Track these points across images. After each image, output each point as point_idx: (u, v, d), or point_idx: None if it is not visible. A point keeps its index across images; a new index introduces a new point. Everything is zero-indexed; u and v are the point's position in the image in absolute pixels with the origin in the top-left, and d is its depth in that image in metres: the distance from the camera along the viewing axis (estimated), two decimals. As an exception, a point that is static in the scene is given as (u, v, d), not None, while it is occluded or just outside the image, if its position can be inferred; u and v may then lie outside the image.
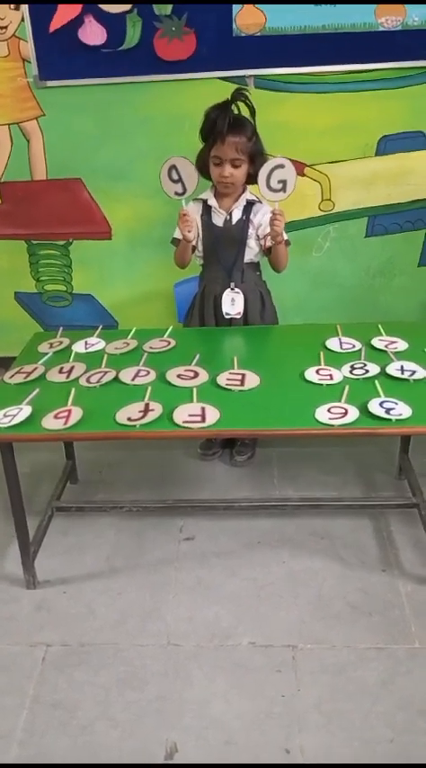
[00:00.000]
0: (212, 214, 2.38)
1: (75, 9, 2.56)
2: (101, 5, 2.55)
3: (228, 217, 2.36)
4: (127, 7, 2.55)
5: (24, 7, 2.58)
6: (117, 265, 3.05)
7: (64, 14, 2.56)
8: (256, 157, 2.27)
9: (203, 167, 2.32)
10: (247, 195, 2.36)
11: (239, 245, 2.38)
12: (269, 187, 2.21)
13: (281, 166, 2.18)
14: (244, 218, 2.36)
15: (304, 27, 2.57)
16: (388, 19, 2.55)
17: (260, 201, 2.37)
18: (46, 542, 2.24)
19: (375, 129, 2.76)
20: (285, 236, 2.32)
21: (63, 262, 3.08)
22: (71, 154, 2.85)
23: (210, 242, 2.40)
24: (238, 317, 2.39)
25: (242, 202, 2.35)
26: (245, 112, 2.26)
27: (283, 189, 2.21)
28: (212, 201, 2.37)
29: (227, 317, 2.41)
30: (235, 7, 2.55)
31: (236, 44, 2.60)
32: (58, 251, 3.06)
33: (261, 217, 2.36)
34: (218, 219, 2.37)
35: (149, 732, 1.65)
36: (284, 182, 2.20)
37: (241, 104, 2.25)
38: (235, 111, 2.25)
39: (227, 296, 2.40)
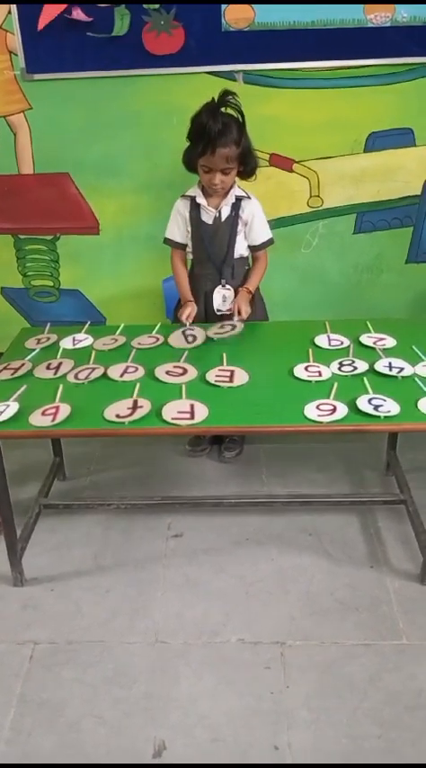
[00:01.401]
0: (201, 211, 2.36)
1: (63, 4, 2.53)
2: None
3: (218, 214, 2.35)
4: (115, 0, 2.53)
5: (11, -1, 2.55)
6: (105, 261, 3.03)
7: (51, 11, 2.53)
8: (246, 157, 2.26)
9: (190, 165, 2.30)
10: (236, 191, 2.35)
11: (229, 241, 2.37)
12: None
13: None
14: (233, 214, 2.35)
15: (293, 22, 2.56)
16: (377, 15, 2.54)
17: (248, 197, 2.36)
18: (33, 540, 2.23)
19: (364, 126, 2.76)
20: (243, 314, 2.31)
21: (50, 257, 3.06)
22: (59, 148, 2.82)
23: (200, 239, 2.39)
24: (229, 313, 2.39)
25: (230, 199, 2.34)
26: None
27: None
28: (201, 200, 2.35)
29: (219, 313, 2.41)
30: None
31: (225, 39, 2.58)
32: (45, 246, 3.04)
33: (249, 212, 2.36)
34: (207, 217, 2.36)
35: (137, 730, 1.65)
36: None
37: (229, 107, 2.21)
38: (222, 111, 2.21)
39: (218, 293, 2.40)
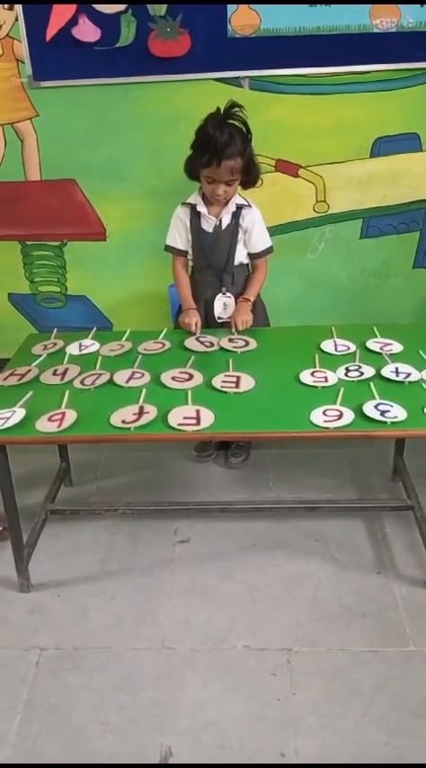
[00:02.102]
0: (201, 219, 2.37)
1: (70, 10, 2.54)
2: (95, 6, 2.54)
3: (218, 222, 2.35)
4: (121, 8, 2.54)
5: (18, 7, 2.56)
6: (111, 266, 3.04)
7: (59, 19, 2.55)
8: (249, 168, 2.27)
9: (192, 173, 2.31)
10: (236, 200, 2.36)
11: (229, 249, 2.38)
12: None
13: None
14: (233, 222, 2.36)
15: (299, 28, 2.56)
16: (383, 21, 2.55)
17: (249, 205, 2.37)
18: (40, 545, 2.23)
19: (369, 131, 2.76)
20: (239, 326, 2.32)
21: (57, 263, 3.07)
22: (65, 154, 2.84)
23: (200, 247, 2.39)
24: (230, 321, 2.39)
25: (231, 207, 2.35)
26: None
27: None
28: (201, 208, 2.35)
29: (219, 320, 2.41)
30: (230, 8, 2.54)
31: (231, 45, 2.59)
32: (52, 252, 3.05)
33: (250, 220, 2.37)
34: (208, 225, 2.37)
35: (144, 736, 1.64)
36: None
37: (235, 120, 2.21)
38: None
39: (219, 301, 2.41)
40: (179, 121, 2.70)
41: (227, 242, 2.37)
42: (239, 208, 2.35)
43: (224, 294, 2.41)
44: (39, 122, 2.78)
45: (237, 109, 2.20)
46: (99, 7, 2.54)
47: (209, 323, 2.43)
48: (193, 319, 2.33)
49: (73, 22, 2.56)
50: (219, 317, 2.42)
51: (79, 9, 2.54)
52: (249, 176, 2.29)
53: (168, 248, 2.47)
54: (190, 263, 2.47)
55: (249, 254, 2.43)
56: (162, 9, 2.53)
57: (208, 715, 1.69)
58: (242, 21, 2.56)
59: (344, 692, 1.73)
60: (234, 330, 2.31)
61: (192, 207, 2.37)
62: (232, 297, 2.41)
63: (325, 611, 1.98)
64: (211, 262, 2.40)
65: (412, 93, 2.68)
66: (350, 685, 1.75)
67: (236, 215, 2.35)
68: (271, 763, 1.57)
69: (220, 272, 2.40)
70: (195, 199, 2.37)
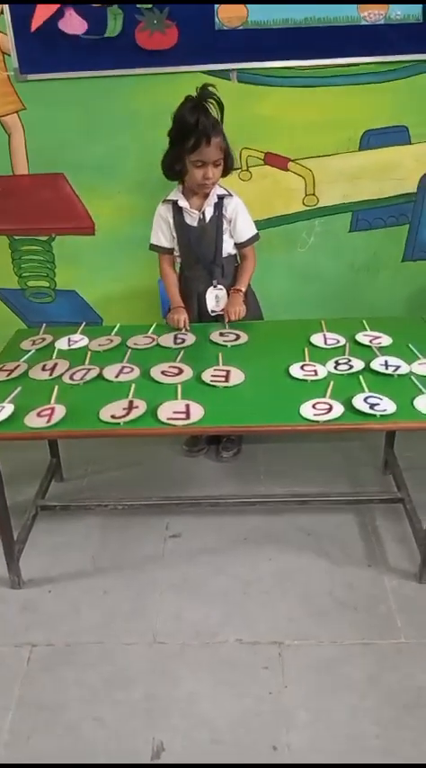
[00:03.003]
0: (184, 214, 2.36)
1: (53, 6, 2.52)
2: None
3: (201, 216, 2.35)
4: (107, -1, 2.52)
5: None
6: (100, 261, 3.02)
7: (44, 11, 2.52)
8: (227, 153, 2.28)
9: (172, 170, 2.31)
10: (217, 190, 2.35)
11: (216, 241, 2.37)
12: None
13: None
14: (216, 214, 2.35)
15: (286, 20, 2.55)
16: (371, 13, 2.54)
17: (230, 194, 2.37)
18: (30, 541, 2.23)
19: (358, 124, 2.75)
20: (233, 316, 2.33)
21: (46, 257, 3.05)
22: (53, 148, 2.81)
23: (186, 242, 2.39)
24: (223, 313, 2.39)
25: (213, 199, 2.34)
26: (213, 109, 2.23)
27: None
28: (183, 203, 2.35)
29: (213, 314, 2.41)
30: (218, 0, 2.52)
31: (219, 37, 2.57)
32: (41, 246, 3.03)
33: (232, 210, 2.36)
34: (192, 220, 2.36)
35: (136, 731, 1.64)
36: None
37: (211, 102, 2.21)
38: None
39: (211, 293, 2.40)
40: (167, 115, 2.68)
41: (213, 234, 2.36)
42: (220, 198, 2.35)
43: (215, 287, 2.40)
44: (26, 116, 2.76)
45: (211, 89, 2.21)
46: (85, 0, 2.52)
47: (203, 317, 2.43)
48: (182, 317, 2.33)
49: (59, 14, 2.53)
50: (213, 311, 2.41)
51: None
52: (228, 159, 2.29)
53: (153, 247, 2.46)
54: (178, 260, 2.46)
55: (236, 244, 2.42)
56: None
57: (200, 709, 1.69)
58: (229, 13, 2.54)
59: (336, 684, 1.74)
60: (227, 322, 2.30)
61: (174, 203, 2.36)
62: (224, 289, 2.40)
63: (317, 605, 1.99)
64: (199, 256, 2.39)
65: (401, 86, 2.67)
66: (342, 678, 1.76)
67: (219, 206, 2.35)
68: (265, 763, 1.57)
69: (209, 266, 2.40)
70: (175, 195, 2.37)
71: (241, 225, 2.38)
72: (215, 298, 2.40)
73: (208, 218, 2.35)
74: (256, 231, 2.43)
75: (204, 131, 2.16)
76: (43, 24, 2.55)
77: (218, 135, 2.20)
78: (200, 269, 2.41)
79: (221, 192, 2.36)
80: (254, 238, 2.43)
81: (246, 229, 2.40)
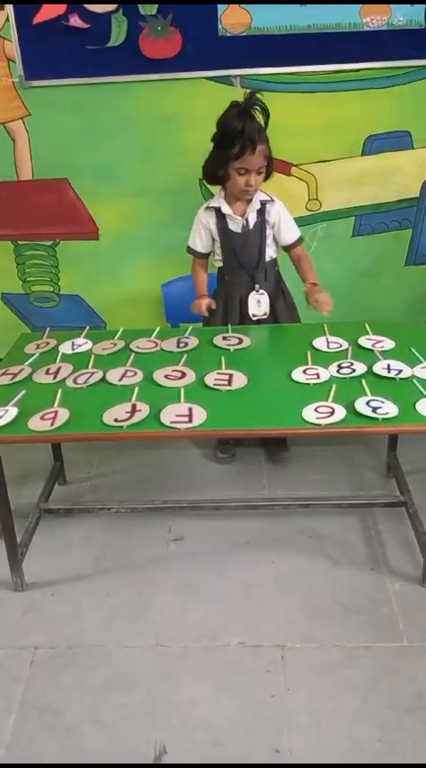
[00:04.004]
0: (228, 221, 2.34)
1: (60, 10, 2.54)
2: (86, 5, 2.53)
3: (245, 222, 2.33)
4: (112, 7, 2.54)
5: (9, 7, 2.56)
6: (104, 266, 3.04)
7: (49, 10, 2.54)
8: (270, 160, 2.26)
9: (215, 176, 2.29)
10: (259, 196, 2.33)
11: (260, 247, 2.36)
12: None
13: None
14: (260, 220, 2.34)
15: (289, 27, 2.57)
16: (373, 19, 2.55)
17: (272, 200, 2.35)
18: (34, 544, 2.23)
19: (361, 129, 2.76)
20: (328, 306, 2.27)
21: (50, 262, 3.06)
22: (57, 154, 2.83)
23: (230, 249, 2.37)
24: (265, 317, 2.40)
25: (256, 205, 2.32)
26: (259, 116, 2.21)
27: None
28: (226, 209, 2.32)
29: (254, 318, 2.41)
30: (221, 7, 2.54)
31: (222, 44, 2.59)
32: (45, 251, 3.05)
33: (275, 214, 2.35)
34: (235, 226, 2.34)
35: (138, 734, 1.64)
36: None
37: (256, 109, 2.18)
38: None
39: (253, 298, 2.39)
40: (170, 120, 2.71)
41: (257, 240, 2.35)
42: (263, 204, 2.33)
43: (257, 291, 2.39)
44: (30, 122, 2.78)
45: (257, 96, 2.18)
46: (90, 7, 2.54)
47: (244, 321, 2.43)
48: (204, 301, 2.34)
49: (63, 19, 2.56)
50: (254, 315, 2.40)
51: (70, 8, 2.54)
52: (269, 165, 2.27)
53: (189, 250, 2.47)
54: (219, 264, 2.45)
55: (283, 247, 2.42)
56: (153, 8, 2.53)
57: (202, 712, 1.69)
58: (233, 19, 2.56)
59: (338, 687, 1.74)
60: (326, 312, 2.24)
61: (217, 210, 2.34)
62: (266, 294, 2.40)
63: (319, 608, 1.99)
64: (243, 262, 2.38)
65: (403, 91, 2.69)
66: (344, 681, 1.76)
67: (262, 212, 2.33)
68: (266, 763, 1.57)
69: (252, 271, 2.39)
70: (218, 201, 2.35)
71: (285, 228, 2.38)
72: (257, 302, 2.40)
73: (251, 225, 2.34)
74: (300, 234, 2.43)
75: (249, 138, 2.13)
76: (47, 30, 2.57)
77: (263, 142, 2.18)
78: (243, 274, 2.40)
79: (263, 197, 2.34)
80: (300, 240, 2.42)
81: (291, 232, 2.39)
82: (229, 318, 2.44)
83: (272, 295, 2.43)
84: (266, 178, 2.31)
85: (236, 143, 2.15)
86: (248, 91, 2.21)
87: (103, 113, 2.74)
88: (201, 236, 2.41)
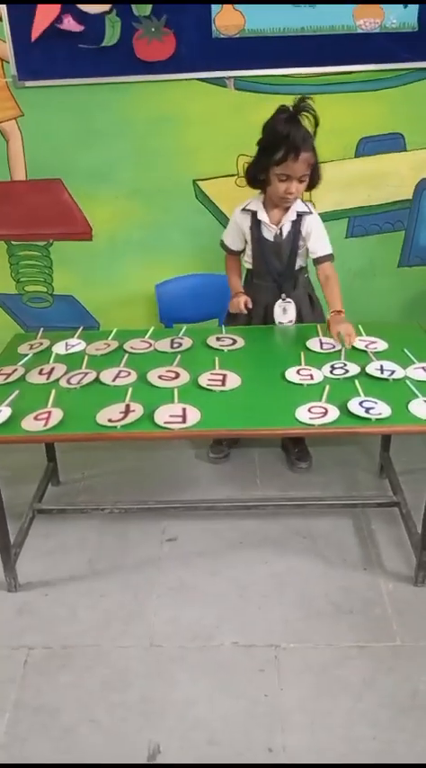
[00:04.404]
0: (262, 228, 2.32)
1: (54, 11, 2.54)
2: (79, 6, 2.53)
3: (279, 231, 2.31)
4: (106, 8, 2.54)
5: (2, 7, 2.55)
6: (98, 266, 3.04)
7: (43, 20, 2.54)
8: (315, 168, 2.23)
9: (256, 180, 2.26)
10: (298, 206, 2.31)
11: (290, 256, 2.35)
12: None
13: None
14: (293, 230, 2.31)
15: (283, 29, 2.57)
16: (366, 21, 2.56)
17: (310, 212, 2.33)
18: (27, 545, 2.23)
19: (354, 131, 2.77)
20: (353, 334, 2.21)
21: (43, 263, 3.06)
22: (51, 154, 2.83)
23: (260, 254, 2.36)
24: (290, 324, 2.39)
25: (292, 215, 2.30)
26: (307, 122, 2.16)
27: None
28: (262, 216, 2.30)
29: (280, 326, 2.40)
30: (214, 9, 2.54)
31: (216, 45, 2.60)
32: (39, 252, 3.04)
33: (308, 226, 2.32)
34: (269, 234, 2.32)
35: (132, 734, 1.65)
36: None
37: (306, 115, 2.14)
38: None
39: (279, 306, 2.38)
40: (164, 121, 2.71)
41: (287, 251, 2.33)
42: (300, 216, 2.31)
43: (284, 300, 2.38)
44: (24, 122, 2.78)
45: (307, 103, 2.14)
46: (83, 7, 2.54)
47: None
48: (242, 298, 2.32)
49: (57, 22, 2.56)
50: (280, 322, 2.39)
51: (63, 9, 2.54)
52: (314, 175, 2.23)
53: (223, 245, 2.46)
54: (249, 266, 2.44)
55: (313, 260, 2.39)
56: (146, 9, 2.53)
57: (196, 712, 1.70)
58: (226, 21, 2.57)
59: (332, 687, 1.75)
60: (347, 348, 2.17)
61: (253, 214, 2.33)
62: (292, 302, 2.38)
63: (313, 608, 1.99)
64: (271, 269, 2.36)
65: (396, 94, 2.70)
66: (338, 681, 1.76)
67: (297, 223, 2.31)
68: (260, 763, 1.57)
69: (280, 278, 2.37)
70: (256, 206, 2.32)
71: (314, 241, 2.33)
72: (282, 310, 2.38)
73: (284, 235, 2.32)
74: (331, 251, 2.37)
75: (293, 145, 2.09)
76: (42, 33, 2.57)
77: (308, 150, 2.14)
78: (271, 280, 2.38)
79: (302, 208, 2.31)
80: (329, 257, 2.37)
81: (320, 246, 2.35)
82: (252, 323, 2.42)
83: (300, 301, 2.42)
84: (311, 187, 2.28)
85: (280, 149, 2.11)
86: (298, 96, 2.16)
87: (97, 114, 2.74)
88: (235, 234, 2.40)
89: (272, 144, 2.14)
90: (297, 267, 2.40)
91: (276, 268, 2.37)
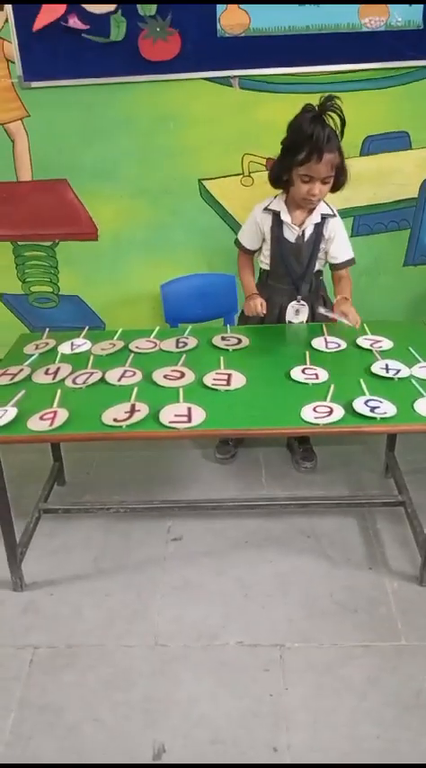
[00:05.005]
0: (284, 228, 2.30)
1: (59, 9, 2.54)
2: (85, 6, 2.54)
3: (301, 233, 2.29)
4: (111, 8, 2.54)
5: (8, 7, 2.56)
6: (103, 266, 3.04)
7: (48, 14, 2.55)
8: (341, 169, 2.19)
9: (279, 180, 2.24)
10: (322, 208, 2.29)
11: (310, 259, 2.33)
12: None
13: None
14: (315, 233, 2.29)
15: (288, 27, 2.57)
16: (372, 19, 2.56)
17: (334, 215, 2.31)
18: (33, 544, 2.24)
19: (359, 130, 2.76)
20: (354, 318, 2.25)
21: (49, 263, 3.07)
22: (56, 154, 2.84)
23: (280, 255, 2.33)
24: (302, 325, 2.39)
25: (315, 217, 2.28)
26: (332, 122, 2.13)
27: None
28: (285, 217, 2.27)
29: (286, 324, 2.39)
30: (219, 8, 2.54)
31: (221, 45, 2.59)
32: (44, 252, 3.05)
33: (331, 229, 2.31)
34: (290, 235, 2.30)
35: (137, 733, 1.65)
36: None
37: (332, 115, 2.11)
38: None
39: (292, 307, 2.37)
40: (169, 121, 2.71)
41: (308, 254, 2.31)
42: (323, 219, 2.29)
43: (298, 301, 2.37)
44: (29, 123, 2.78)
45: (333, 102, 2.10)
46: (89, 7, 2.54)
47: None
48: (258, 300, 2.30)
49: (63, 21, 2.56)
50: (290, 322, 2.39)
51: (69, 9, 2.55)
52: (339, 177, 2.20)
53: (238, 243, 2.44)
54: (265, 266, 2.42)
55: (331, 265, 2.38)
56: (151, 9, 2.54)
57: (200, 711, 1.70)
58: (231, 20, 2.57)
59: (336, 686, 1.75)
60: (354, 325, 2.22)
61: (275, 214, 2.30)
62: (306, 305, 2.38)
63: (317, 607, 1.99)
64: (290, 271, 2.34)
65: (401, 92, 2.69)
66: (342, 680, 1.76)
67: (319, 225, 2.29)
68: (265, 763, 1.57)
69: (298, 280, 2.36)
70: (279, 206, 2.29)
71: (337, 246, 2.33)
72: (295, 312, 2.38)
73: (307, 237, 2.29)
74: (352, 255, 2.38)
75: (317, 145, 2.06)
76: (46, 31, 2.57)
77: (333, 151, 2.10)
78: (288, 282, 2.36)
79: (325, 210, 2.29)
80: (350, 262, 2.38)
81: (342, 251, 2.35)
82: (265, 323, 2.41)
83: (313, 303, 2.41)
84: (336, 189, 2.24)
85: (303, 149, 2.08)
86: (325, 95, 2.13)
87: (102, 114, 2.75)
88: (253, 232, 2.37)
89: (295, 144, 2.11)
90: (315, 270, 2.38)
91: (295, 270, 2.35)
